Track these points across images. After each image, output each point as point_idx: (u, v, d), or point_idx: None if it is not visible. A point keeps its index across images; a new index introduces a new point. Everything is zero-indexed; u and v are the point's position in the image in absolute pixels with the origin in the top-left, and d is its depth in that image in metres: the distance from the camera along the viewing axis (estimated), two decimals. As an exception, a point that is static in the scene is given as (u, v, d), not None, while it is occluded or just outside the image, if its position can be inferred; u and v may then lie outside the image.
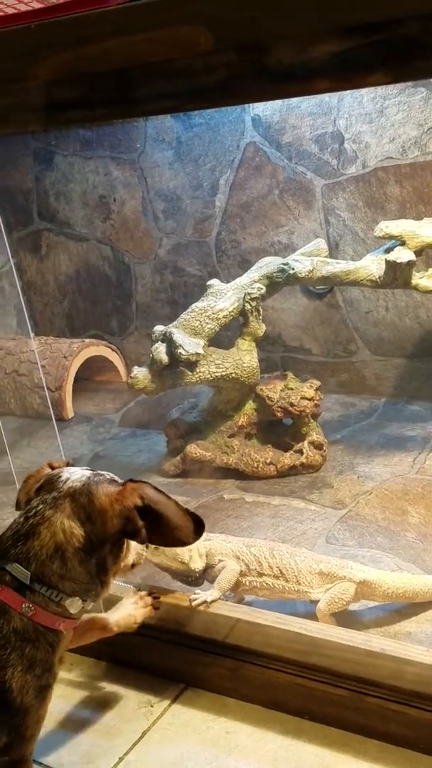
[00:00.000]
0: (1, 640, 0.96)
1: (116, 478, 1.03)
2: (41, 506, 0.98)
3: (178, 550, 1.35)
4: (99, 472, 1.02)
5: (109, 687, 1.34)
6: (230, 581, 1.36)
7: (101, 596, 1.03)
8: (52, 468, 1.06)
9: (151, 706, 1.28)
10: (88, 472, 1.01)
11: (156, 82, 1.02)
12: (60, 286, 2.79)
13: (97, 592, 1.01)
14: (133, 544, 1.06)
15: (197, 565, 1.37)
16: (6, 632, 0.96)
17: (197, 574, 1.39)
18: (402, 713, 1.14)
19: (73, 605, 0.99)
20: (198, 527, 1.01)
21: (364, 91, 2.00)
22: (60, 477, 1.01)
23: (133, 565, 1.10)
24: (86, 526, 0.97)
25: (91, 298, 2.74)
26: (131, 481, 1.01)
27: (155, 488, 1.00)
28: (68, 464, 1.08)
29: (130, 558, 1.08)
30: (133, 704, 1.29)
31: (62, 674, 1.37)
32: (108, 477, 1.02)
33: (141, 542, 0.99)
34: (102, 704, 1.30)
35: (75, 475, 1.00)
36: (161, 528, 0.98)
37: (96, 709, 1.30)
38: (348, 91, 2.00)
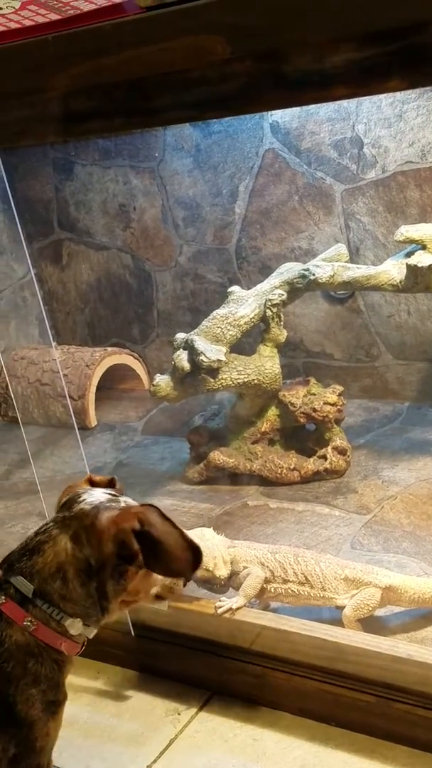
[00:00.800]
0: (4, 653, 0.96)
1: (134, 503, 1.01)
2: (51, 524, 0.99)
3: (203, 558, 1.36)
4: (118, 498, 1.01)
5: (135, 695, 1.34)
6: (255, 588, 1.36)
7: (102, 622, 1.01)
8: (92, 482, 1.06)
9: (178, 714, 1.28)
10: (104, 497, 1.00)
11: (174, 92, 1.02)
12: (81, 295, 2.81)
13: (98, 618, 0.99)
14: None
15: (222, 572, 1.38)
16: (8, 645, 0.96)
17: (222, 582, 1.39)
18: (430, 719, 1.13)
19: (74, 626, 0.98)
20: (195, 562, 0.99)
21: (382, 96, 2.00)
22: (78, 498, 1.01)
23: (159, 597, 1.07)
24: (85, 549, 0.96)
25: (112, 307, 2.76)
26: (142, 504, 0.99)
27: (161, 513, 0.98)
28: (111, 481, 1.08)
29: (154, 588, 1.05)
30: (161, 712, 1.29)
31: (88, 683, 1.38)
32: (123, 503, 1.00)
33: (138, 568, 0.97)
34: (129, 712, 1.31)
35: (91, 498, 1.00)
36: (159, 556, 0.97)
37: (123, 717, 1.30)
38: (366, 97, 2.00)
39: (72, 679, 1.35)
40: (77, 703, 1.33)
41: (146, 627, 1.39)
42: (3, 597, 0.97)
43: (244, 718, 1.26)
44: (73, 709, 1.32)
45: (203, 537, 1.41)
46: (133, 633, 1.39)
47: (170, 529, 0.98)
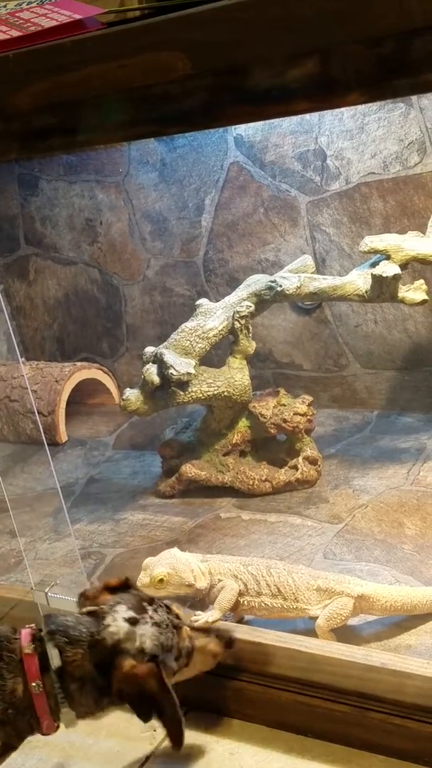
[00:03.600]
0: None
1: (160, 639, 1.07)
2: (86, 630, 1.05)
3: (182, 574, 1.36)
4: (145, 625, 1.07)
5: (110, 712, 1.33)
6: (231, 600, 1.36)
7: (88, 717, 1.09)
8: (109, 588, 1.13)
9: (154, 730, 1.27)
10: (127, 626, 1.06)
11: (136, 108, 1.03)
12: (49, 311, 2.79)
13: (90, 714, 1.08)
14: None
15: (203, 583, 1.37)
16: (5, 686, 1.00)
17: (205, 592, 1.38)
18: (404, 727, 1.14)
19: (66, 716, 1.04)
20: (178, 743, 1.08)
21: (344, 108, 2.02)
22: (107, 616, 1.07)
23: None
24: (102, 678, 1.04)
25: (81, 322, 2.75)
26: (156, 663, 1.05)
27: (164, 687, 1.04)
28: (125, 582, 1.14)
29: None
30: (137, 729, 1.28)
31: (63, 701, 1.36)
32: (149, 638, 1.06)
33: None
34: (105, 730, 1.29)
35: (118, 623, 1.06)
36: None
37: (99, 736, 1.29)
38: (327, 110, 2.02)
39: (46, 699, 1.33)
40: (51, 723, 1.32)
41: (120, 644, 1.37)
42: (32, 647, 1.03)
43: (220, 733, 1.25)
44: (47, 729, 1.31)
45: (174, 555, 1.41)
46: (106, 650, 1.38)
47: (172, 713, 1.06)
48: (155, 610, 1.09)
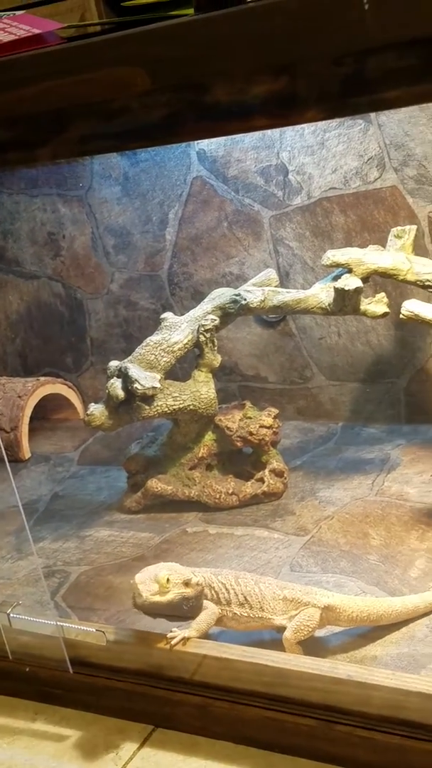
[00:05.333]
0: None
1: None
2: None
3: (180, 571, 1.34)
4: None
5: (75, 734, 1.31)
6: (209, 624, 1.35)
7: None
8: None
9: (119, 751, 1.25)
10: None
11: (95, 122, 1.03)
12: (11, 325, 2.77)
13: None
14: None
15: (197, 578, 1.35)
16: None
17: (196, 597, 1.35)
18: (370, 739, 1.14)
19: None
20: None
21: (304, 125, 2.04)
22: None
23: None
24: None
25: (44, 336, 2.73)
26: None
27: None
28: None
29: None
30: (101, 750, 1.26)
31: (26, 724, 1.35)
32: None
33: None
34: (69, 753, 1.28)
35: None
36: None
37: (62, 759, 1.27)
38: (287, 126, 2.04)
39: (9, 722, 1.32)
40: (15, 746, 1.30)
41: (85, 663, 1.36)
42: None
43: (187, 751, 1.24)
44: (9, 752, 1.29)
45: (158, 565, 1.39)
46: (71, 670, 1.36)
47: None
48: None
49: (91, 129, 1.01)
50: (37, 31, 1.19)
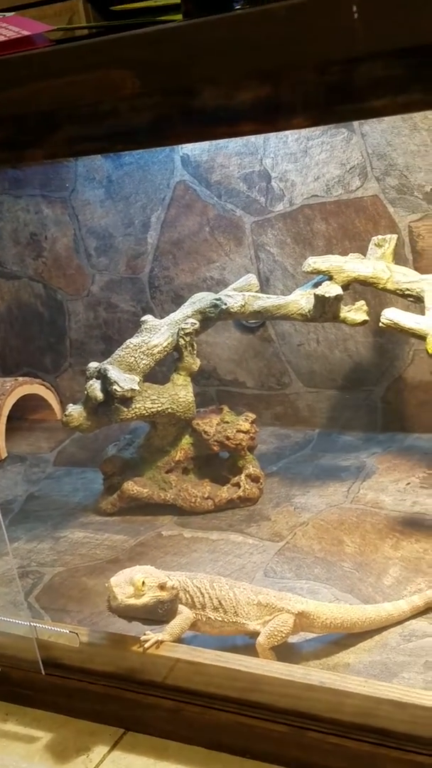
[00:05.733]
0: None
1: None
2: None
3: (155, 574, 1.34)
4: None
5: (46, 736, 1.31)
6: (183, 628, 1.35)
7: None
8: None
9: (90, 754, 1.25)
10: None
11: (84, 124, 1.03)
12: (-9, 324, 2.75)
13: None
14: None
15: (171, 582, 1.35)
16: None
17: (176, 591, 1.35)
18: (341, 746, 1.14)
19: None
20: None
21: (288, 132, 2.06)
22: None
23: None
24: None
25: (23, 336, 2.71)
26: None
27: None
28: None
29: None
30: (72, 752, 1.26)
31: (-3, 725, 1.33)
32: None
33: None
34: (39, 755, 1.27)
35: None
36: None
37: (33, 760, 1.26)
38: (273, 132, 2.05)
39: (-21, 723, 1.31)
40: (-15, 747, 1.29)
41: (57, 665, 1.35)
42: None
43: (158, 755, 1.24)
44: (-20, 754, 1.28)
45: (132, 569, 1.38)
46: (43, 672, 1.35)
47: None
48: None
49: (79, 131, 1.01)
50: (26, 32, 1.19)
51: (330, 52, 0.85)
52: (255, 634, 1.38)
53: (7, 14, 1.30)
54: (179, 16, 1.06)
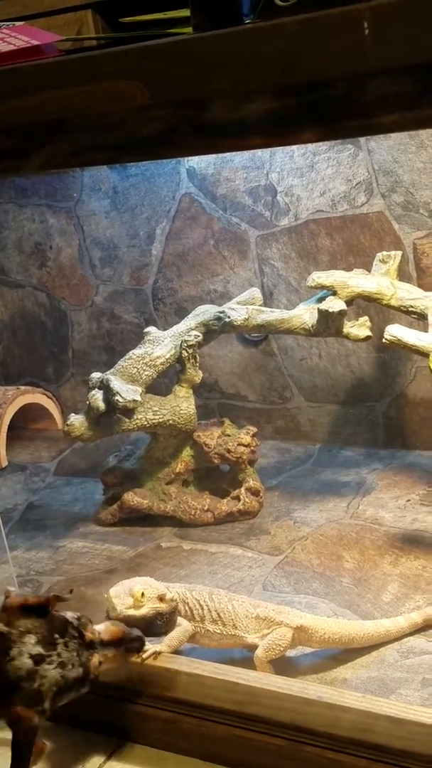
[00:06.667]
0: None
1: None
2: None
3: (154, 585, 1.34)
4: (50, 665, 1.07)
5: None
6: (181, 640, 1.35)
7: None
8: (25, 608, 1.10)
9: (86, 764, 1.24)
10: (30, 664, 1.07)
11: (92, 134, 1.04)
12: (-6, 333, 2.76)
13: None
14: None
15: (171, 594, 1.35)
16: None
17: (175, 603, 1.35)
18: (338, 761, 1.14)
19: None
20: None
21: (294, 146, 2.07)
22: (14, 646, 1.06)
23: None
24: None
25: (26, 345, 2.72)
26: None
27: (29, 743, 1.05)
28: (45, 602, 1.12)
29: None
30: (68, 762, 1.25)
31: (-6, 734, 1.32)
32: None
33: None
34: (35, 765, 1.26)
35: (23, 660, 1.06)
36: None
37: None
38: (279, 147, 2.07)
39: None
40: (-20, 756, 1.28)
41: (54, 674, 1.34)
42: None
43: (154, 766, 1.23)
44: (-25, 762, 1.27)
45: (132, 580, 1.38)
46: (40, 680, 1.34)
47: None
48: (65, 645, 1.07)
49: (88, 140, 1.02)
50: (35, 42, 1.20)
51: (340, 68, 0.86)
52: (253, 647, 1.37)
53: (17, 24, 1.31)
54: (188, 29, 1.07)
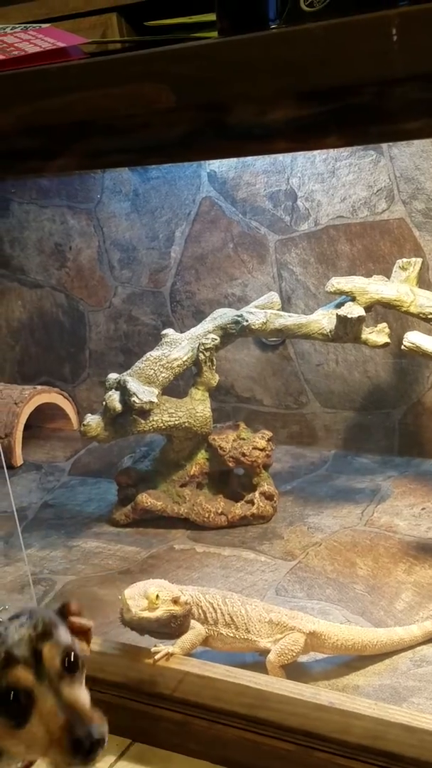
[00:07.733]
0: None
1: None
2: None
3: (169, 588, 1.33)
4: None
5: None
6: (194, 643, 1.35)
7: None
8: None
9: (97, 763, 1.24)
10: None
11: (117, 136, 1.04)
12: (12, 332, 2.77)
13: None
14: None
15: (185, 597, 1.35)
16: None
17: (189, 606, 1.35)
18: (349, 768, 1.14)
19: None
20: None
21: (316, 152, 2.07)
22: None
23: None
24: None
25: (44, 345, 2.73)
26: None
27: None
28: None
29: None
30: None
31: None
32: None
33: None
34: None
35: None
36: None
37: None
38: (301, 152, 2.07)
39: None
40: (-9, 753, 1.28)
41: (66, 673, 1.35)
42: None
43: (163, 767, 1.23)
44: (-14, 759, 1.27)
45: (146, 582, 1.38)
46: (52, 679, 1.35)
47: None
48: None
49: (112, 143, 1.02)
50: (61, 44, 1.21)
51: (366, 74, 0.86)
52: (266, 652, 1.37)
53: (43, 26, 1.32)
54: (214, 33, 1.07)
